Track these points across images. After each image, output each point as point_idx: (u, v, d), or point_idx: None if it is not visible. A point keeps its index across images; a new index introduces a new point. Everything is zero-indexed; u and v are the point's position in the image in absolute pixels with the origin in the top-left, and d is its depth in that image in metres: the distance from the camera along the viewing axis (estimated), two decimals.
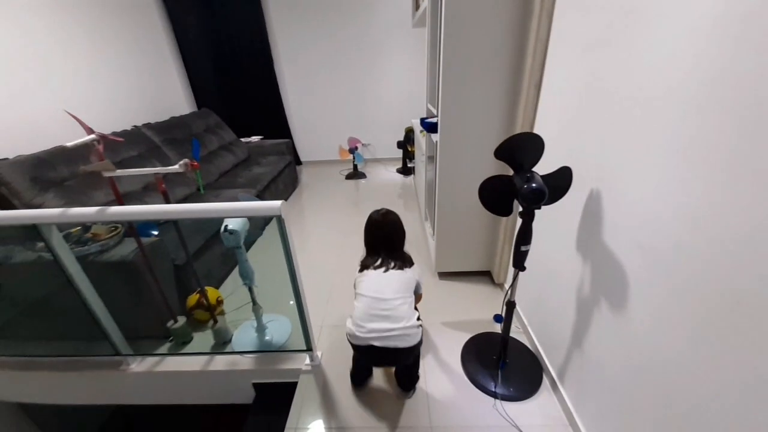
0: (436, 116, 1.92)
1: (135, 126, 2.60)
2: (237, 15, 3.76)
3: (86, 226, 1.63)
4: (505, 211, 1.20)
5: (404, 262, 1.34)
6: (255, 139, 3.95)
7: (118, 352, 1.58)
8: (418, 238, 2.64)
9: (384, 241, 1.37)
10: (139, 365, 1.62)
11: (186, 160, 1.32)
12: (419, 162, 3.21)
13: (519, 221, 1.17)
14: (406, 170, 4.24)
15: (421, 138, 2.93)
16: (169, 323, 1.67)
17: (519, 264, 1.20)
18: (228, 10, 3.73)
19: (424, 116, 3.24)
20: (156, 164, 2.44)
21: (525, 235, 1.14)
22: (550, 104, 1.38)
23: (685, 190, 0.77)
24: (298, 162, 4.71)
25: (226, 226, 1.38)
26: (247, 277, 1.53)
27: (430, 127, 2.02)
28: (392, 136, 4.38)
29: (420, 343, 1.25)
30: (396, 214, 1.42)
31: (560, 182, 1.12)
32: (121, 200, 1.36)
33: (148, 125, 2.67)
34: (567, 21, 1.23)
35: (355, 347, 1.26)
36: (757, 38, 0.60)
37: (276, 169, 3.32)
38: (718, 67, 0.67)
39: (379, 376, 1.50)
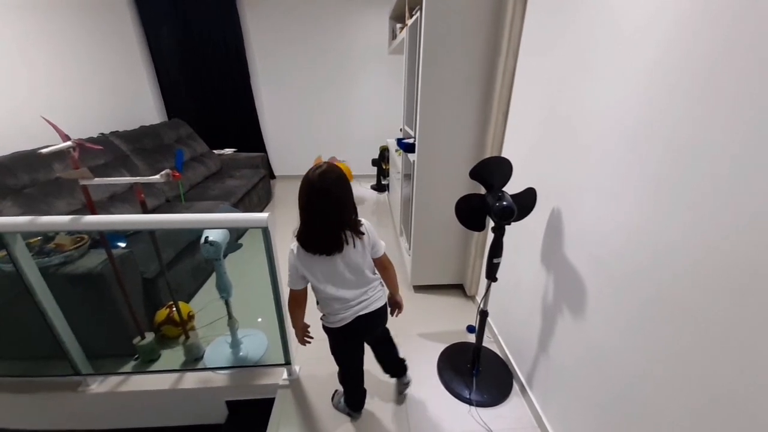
0: (413, 137, 2.05)
1: (102, 134, 2.49)
2: (213, 26, 3.77)
3: (48, 236, 1.54)
4: (479, 226, 1.31)
5: (354, 233, 1.08)
6: (228, 151, 3.90)
7: (77, 372, 1.48)
8: (393, 253, 2.71)
9: (327, 213, 1.02)
10: (100, 385, 1.52)
11: (168, 170, 1.31)
12: (394, 179, 3.33)
13: (490, 236, 1.28)
14: (380, 187, 4.34)
15: (396, 157, 3.06)
16: (136, 340, 1.60)
17: (491, 275, 1.31)
18: (204, 22, 3.73)
19: (400, 137, 3.39)
20: (125, 174, 2.35)
21: (496, 249, 1.25)
22: (516, 131, 1.54)
23: (622, 208, 0.92)
24: (272, 176, 4.68)
25: (207, 237, 1.38)
26: (225, 290, 1.51)
27: (407, 147, 2.14)
28: (367, 154, 4.50)
29: (387, 305, 1.24)
30: (339, 171, 1.03)
31: (527, 201, 1.25)
32: (94, 209, 1.31)
33: (116, 133, 2.58)
34: (530, 60, 1.41)
35: (341, 330, 1.17)
36: (682, 88, 0.75)
37: (250, 182, 3.29)
38: (649, 109, 0.83)
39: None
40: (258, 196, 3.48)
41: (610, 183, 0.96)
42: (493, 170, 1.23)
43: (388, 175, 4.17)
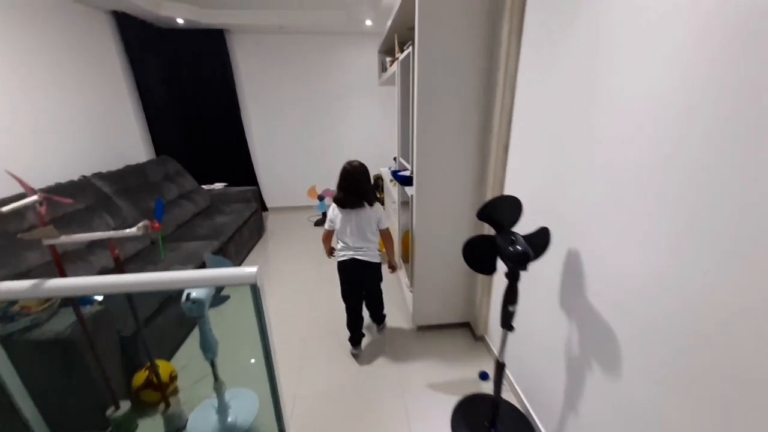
0: (409, 170, 1.97)
1: (84, 176, 2.37)
2: (202, 61, 3.77)
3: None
4: (489, 269, 1.20)
5: (367, 202, 1.72)
6: (218, 186, 3.79)
7: None
8: (392, 288, 2.58)
9: (351, 186, 1.69)
10: None
11: (145, 222, 1.19)
12: (390, 209, 3.24)
13: (500, 277, 1.17)
14: None
15: (391, 186, 2.99)
16: (109, 411, 1.41)
17: (507, 324, 1.19)
18: (192, 57, 3.74)
19: (394, 166, 3.34)
20: (106, 218, 2.21)
21: (511, 296, 1.13)
22: (520, 164, 1.47)
23: (646, 251, 0.82)
24: (264, 208, 4.56)
25: (189, 294, 1.24)
26: (209, 350, 1.35)
27: (404, 180, 2.06)
28: None
29: (380, 265, 1.83)
30: (363, 166, 1.72)
31: (540, 242, 1.15)
32: (63, 271, 1.18)
33: (98, 175, 2.46)
34: (529, 91, 1.36)
35: (342, 264, 1.79)
36: (701, 131, 0.68)
37: (241, 217, 3.17)
38: (671, 140, 0.75)
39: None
40: (249, 231, 3.35)
41: (631, 224, 0.88)
42: (502, 210, 1.14)
43: (381, 204, 4.10)
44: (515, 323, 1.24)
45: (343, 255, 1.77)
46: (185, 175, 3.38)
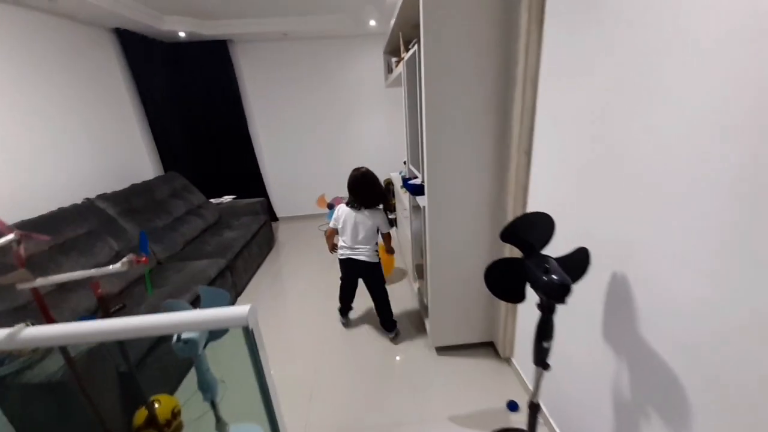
0: (419, 178, 1.82)
1: (87, 199, 2.33)
2: (207, 73, 3.73)
3: None
4: (516, 298, 1.03)
5: (371, 207, 1.94)
6: (227, 199, 3.74)
7: None
8: (407, 302, 2.42)
9: (357, 190, 1.91)
10: None
11: (131, 256, 1.09)
12: (401, 217, 3.09)
13: (528, 304, 1.00)
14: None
15: (401, 193, 2.83)
16: None
17: (541, 362, 1.01)
18: (197, 69, 3.70)
19: (403, 171, 3.18)
20: (110, 242, 2.15)
21: (546, 331, 0.96)
22: (545, 173, 1.29)
23: (715, 280, 0.64)
24: (275, 218, 4.49)
25: (179, 334, 1.13)
26: (208, 391, 1.24)
27: (415, 189, 1.90)
28: None
29: (376, 264, 1.99)
30: (363, 172, 1.91)
31: (577, 266, 0.98)
32: (49, 317, 1.08)
33: (102, 196, 2.41)
34: (556, 86, 1.18)
35: (340, 261, 2.02)
36: None
37: (249, 231, 3.08)
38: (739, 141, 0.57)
39: None
40: (258, 246, 3.27)
41: (695, 246, 0.69)
42: (530, 229, 0.97)
43: (393, 210, 3.95)
44: (550, 358, 1.06)
45: (341, 254, 1.99)
46: (193, 190, 3.33)
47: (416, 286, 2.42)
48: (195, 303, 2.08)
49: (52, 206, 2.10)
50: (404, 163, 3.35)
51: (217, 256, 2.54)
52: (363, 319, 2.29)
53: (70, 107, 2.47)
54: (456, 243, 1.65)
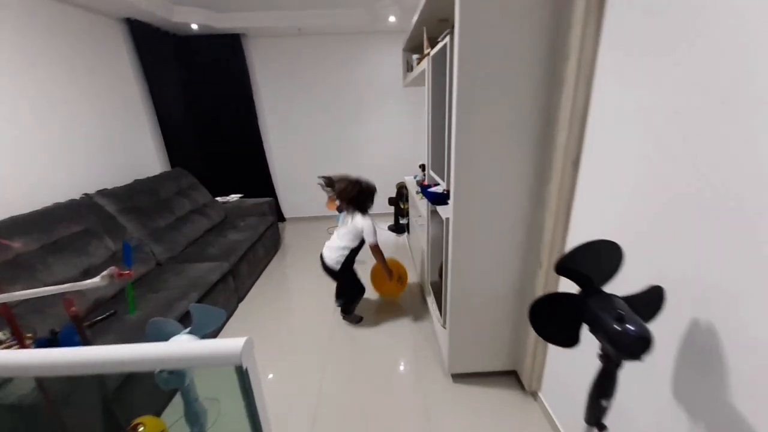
0: (442, 186, 1.64)
1: (86, 194, 2.21)
2: (219, 68, 3.61)
3: None
4: (568, 341, 0.85)
5: (354, 212, 2.00)
6: (234, 197, 3.61)
7: None
8: (419, 319, 2.24)
9: (347, 199, 2.00)
10: None
11: (112, 269, 0.93)
12: (415, 223, 2.91)
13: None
14: (398, 228, 3.92)
15: (417, 199, 2.66)
16: None
17: (597, 422, 0.83)
18: (209, 63, 3.58)
19: (418, 175, 3.01)
20: (106, 241, 2.03)
21: (607, 387, 0.78)
22: (597, 188, 1.10)
23: None
24: (282, 218, 4.36)
25: None
26: (196, 423, 1.08)
27: (436, 198, 1.73)
28: (382, 191, 4.12)
29: (339, 271, 2.06)
30: (354, 185, 2.01)
31: (648, 307, 0.79)
32: (22, 342, 0.94)
33: (103, 192, 2.29)
34: (619, 86, 0.99)
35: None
36: None
37: (255, 233, 2.94)
38: None
39: None
40: (264, 248, 3.13)
41: None
42: (593, 260, 0.79)
43: (405, 215, 3.78)
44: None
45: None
46: (199, 188, 3.20)
47: (430, 302, 2.24)
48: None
49: (50, 202, 1.98)
50: (420, 167, 3.18)
51: (220, 259, 2.39)
52: (375, 333, 2.12)
53: (75, 98, 2.36)
54: (482, 261, 1.47)
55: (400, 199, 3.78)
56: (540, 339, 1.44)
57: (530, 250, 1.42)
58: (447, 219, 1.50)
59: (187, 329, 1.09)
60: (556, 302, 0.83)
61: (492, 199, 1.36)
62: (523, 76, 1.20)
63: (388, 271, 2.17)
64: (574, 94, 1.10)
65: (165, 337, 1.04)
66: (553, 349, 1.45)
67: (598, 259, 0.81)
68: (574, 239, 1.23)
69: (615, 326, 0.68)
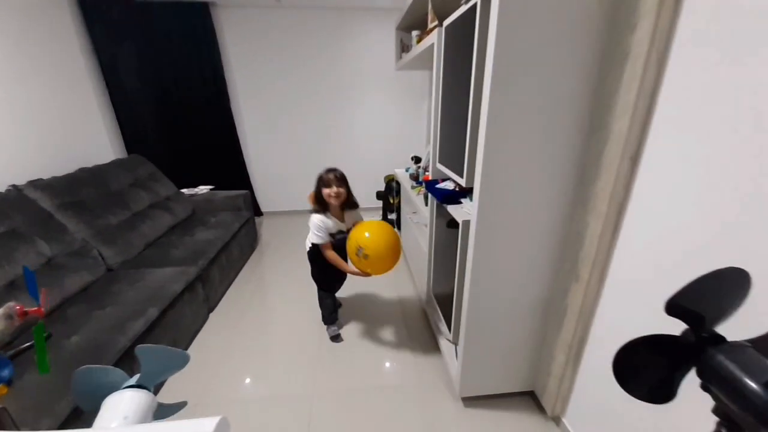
0: (457, 181, 1.40)
1: (13, 186, 1.79)
2: (183, 42, 3.14)
3: None
4: (662, 396, 0.64)
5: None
6: (203, 189, 3.20)
7: None
8: (418, 331, 2.02)
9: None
10: None
11: (10, 305, 0.62)
12: (410, 221, 2.67)
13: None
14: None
15: (413, 194, 2.41)
16: None
17: None
18: (172, 36, 3.10)
19: (411, 168, 2.76)
20: (39, 245, 1.64)
21: None
22: (661, 192, 0.90)
23: None
24: (259, 213, 3.98)
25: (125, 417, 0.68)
26: None
27: (446, 197, 1.48)
28: (369, 185, 3.85)
29: (308, 253, 1.86)
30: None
31: None
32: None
33: (35, 183, 1.87)
34: (710, 63, 0.77)
35: None
36: None
37: (228, 232, 2.59)
38: None
39: None
40: (240, 248, 2.78)
41: None
42: (713, 296, 0.58)
43: (394, 211, 3.53)
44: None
45: None
46: (160, 179, 2.79)
47: (431, 313, 2.02)
48: (153, 327, 1.60)
49: None
50: (413, 158, 2.92)
51: (187, 263, 2.04)
52: (368, 349, 1.88)
53: (4, 71, 1.90)
54: (506, 271, 1.25)
55: (389, 193, 3.52)
56: (572, 359, 1.25)
57: (565, 260, 1.22)
58: (466, 222, 1.26)
59: (134, 378, 0.79)
60: (657, 347, 0.61)
61: (524, 199, 1.13)
62: (574, 45, 0.96)
63: (343, 269, 1.76)
64: (643, 72, 0.88)
65: (101, 392, 0.74)
66: (584, 370, 1.27)
67: (718, 293, 0.59)
68: (625, 251, 1.03)
69: (763, 395, 0.47)
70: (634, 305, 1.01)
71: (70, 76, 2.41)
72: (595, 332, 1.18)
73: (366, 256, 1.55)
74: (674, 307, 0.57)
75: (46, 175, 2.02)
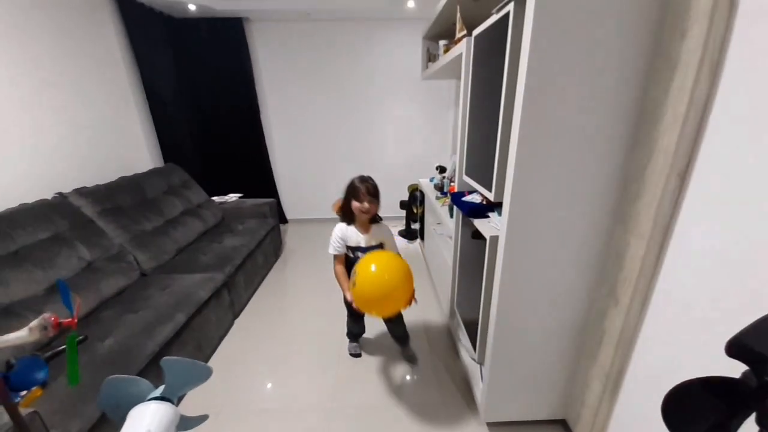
0: (485, 195, 1.35)
1: (59, 194, 1.91)
2: (219, 55, 3.29)
3: None
4: None
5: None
6: (232, 197, 3.31)
7: None
8: (442, 346, 1.95)
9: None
10: None
11: (44, 317, 0.64)
12: (434, 232, 2.62)
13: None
14: (410, 233, 3.63)
15: (437, 205, 2.37)
16: None
17: None
18: (207, 49, 3.27)
19: (435, 178, 2.72)
20: (79, 249, 1.73)
21: None
22: (712, 212, 0.81)
23: None
24: (284, 220, 4.06)
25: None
26: None
27: (473, 210, 1.43)
28: (393, 194, 3.83)
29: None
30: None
31: None
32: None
33: (80, 191, 1.99)
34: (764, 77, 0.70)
35: None
36: None
37: (254, 239, 2.65)
38: None
39: None
40: (264, 255, 2.83)
41: None
42: None
43: (417, 220, 3.49)
44: None
45: None
46: (193, 187, 2.91)
47: (454, 322, 1.95)
48: (180, 333, 1.64)
49: (17, 203, 1.69)
50: (437, 168, 2.88)
51: (214, 269, 2.10)
52: (392, 368, 1.83)
53: (54, 82, 2.06)
54: (538, 291, 1.18)
55: (413, 203, 3.49)
56: (609, 387, 1.15)
57: (602, 283, 1.14)
58: (495, 237, 1.21)
59: (159, 389, 0.80)
60: (714, 390, 0.54)
61: (557, 215, 1.07)
62: (615, 55, 0.91)
63: (342, 289, 1.58)
64: (694, 84, 0.80)
65: (127, 401, 0.75)
66: (623, 402, 1.16)
67: None
68: (672, 277, 0.94)
69: None
70: (682, 337, 0.92)
71: (116, 89, 2.57)
72: (636, 362, 1.08)
73: (354, 284, 1.32)
74: (738, 347, 0.50)
75: (90, 183, 2.15)
